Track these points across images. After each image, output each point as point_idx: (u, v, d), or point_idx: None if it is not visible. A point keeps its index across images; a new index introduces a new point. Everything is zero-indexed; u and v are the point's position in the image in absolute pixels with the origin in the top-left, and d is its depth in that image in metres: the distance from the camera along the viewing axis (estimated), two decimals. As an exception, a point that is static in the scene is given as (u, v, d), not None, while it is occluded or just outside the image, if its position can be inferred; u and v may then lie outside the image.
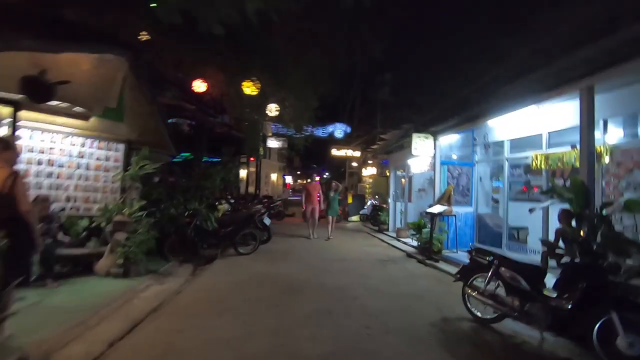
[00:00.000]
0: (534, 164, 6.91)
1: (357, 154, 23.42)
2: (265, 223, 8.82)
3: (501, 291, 4.14)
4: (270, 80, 10.32)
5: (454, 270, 6.67)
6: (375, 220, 14.87)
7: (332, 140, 25.56)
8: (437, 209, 7.78)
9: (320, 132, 23.43)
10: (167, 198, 7.58)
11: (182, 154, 17.34)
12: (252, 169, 20.79)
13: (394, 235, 11.41)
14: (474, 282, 4.44)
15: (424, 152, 8.86)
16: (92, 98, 5.16)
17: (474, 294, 4.28)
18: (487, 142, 8.17)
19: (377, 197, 17.18)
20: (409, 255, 8.36)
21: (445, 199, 8.44)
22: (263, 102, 12.31)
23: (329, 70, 12.00)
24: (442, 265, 7.14)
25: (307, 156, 45.33)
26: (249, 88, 9.58)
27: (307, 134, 22.80)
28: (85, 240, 5.72)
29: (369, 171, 20.41)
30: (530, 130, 7.00)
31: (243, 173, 21.13)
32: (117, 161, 6.22)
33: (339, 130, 23.67)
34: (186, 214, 7.03)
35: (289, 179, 44.91)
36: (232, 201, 10.30)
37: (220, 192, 9.81)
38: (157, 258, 6.59)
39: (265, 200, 15.42)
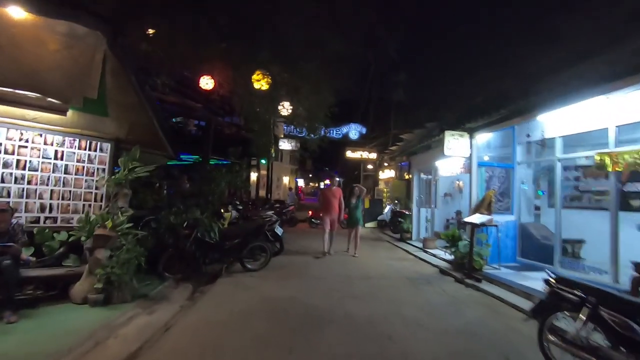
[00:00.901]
0: (599, 164, 5.69)
1: (373, 155, 22.26)
2: (277, 233, 7.81)
3: (598, 337, 3.01)
4: (282, 73, 9.34)
5: (504, 293, 5.53)
6: (396, 227, 13.70)
7: (346, 142, 24.49)
8: (477, 218, 6.61)
9: (333, 133, 22.41)
10: (165, 206, 6.65)
11: (190, 157, 16.55)
12: (263, 172, 19.88)
13: (420, 245, 10.24)
14: (554, 321, 3.31)
15: (458, 152, 7.70)
16: (67, 87, 4.23)
17: (558, 341, 3.14)
18: (540, 140, 6.95)
19: (396, 202, 16.01)
20: (443, 271, 7.20)
21: (484, 206, 7.26)
22: (275, 98, 11.35)
23: (345, 62, 10.96)
24: (486, 286, 5.97)
25: (319, 159, 44.45)
26: (260, 82, 8.59)
27: (321, 135, 21.86)
28: (62, 258, 4.79)
29: (386, 174, 19.25)
30: (590, 124, 5.80)
31: (253, 177, 20.24)
32: (102, 163, 5.28)
33: (353, 131, 22.60)
34: (185, 224, 6.04)
35: (300, 182, 43.99)
36: (240, 207, 9.32)
37: (227, 198, 8.84)
38: (152, 276, 5.64)
39: (277, 205, 14.43)
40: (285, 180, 28.81)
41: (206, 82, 12.01)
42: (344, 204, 8.81)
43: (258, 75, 8.55)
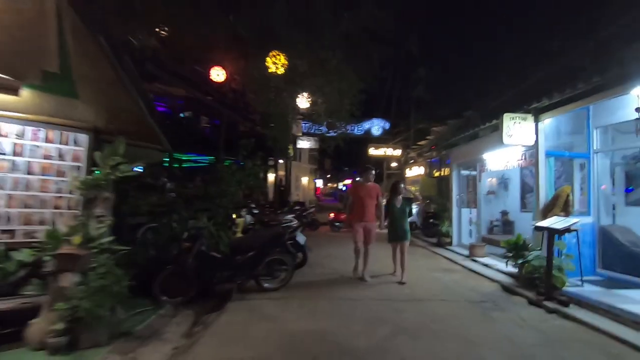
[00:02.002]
0: None
1: (398, 152, 20.79)
2: (298, 242, 6.55)
3: None
4: (301, 52, 8.10)
5: (609, 325, 4.01)
6: (429, 230, 12.22)
7: (367, 139, 23.10)
8: (556, 221, 5.13)
9: (355, 129, 21.03)
10: (166, 212, 5.49)
11: (204, 158, 15.53)
12: (282, 173, 18.72)
13: (465, 252, 8.76)
14: None
15: (521, 140, 6.22)
16: (13, 55, 3.08)
17: None
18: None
19: (427, 201, 14.48)
20: (508, 288, 5.74)
21: (559, 205, 5.76)
22: (293, 82, 10.12)
23: (372, 38, 9.61)
24: (578, 312, 4.50)
25: (338, 158, 43.02)
26: (275, 64, 7.38)
27: (341, 131, 20.57)
28: (21, 284, 3.66)
29: (414, 171, 17.70)
30: None
31: (271, 177, 19.09)
32: (78, 160, 4.14)
33: (376, 126, 21.22)
34: (185, 235, 4.85)
35: (319, 183, 42.75)
36: (256, 211, 8.12)
37: (241, 201, 7.64)
38: (146, 300, 4.49)
39: (297, 207, 13.19)
40: (304, 180, 27.59)
41: (217, 74, 10.91)
42: (384, 208, 6.48)
43: (272, 56, 7.31)
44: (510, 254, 6.12)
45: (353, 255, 6.50)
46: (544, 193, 6.19)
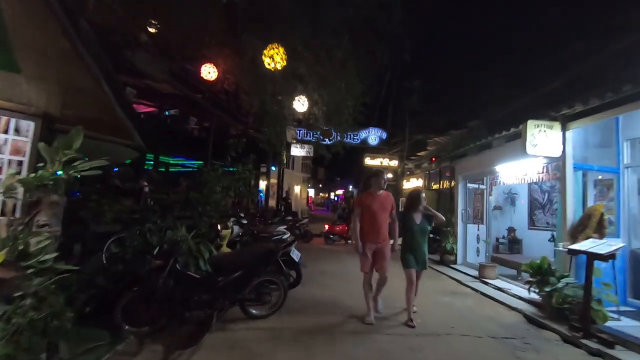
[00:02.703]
0: None
1: (394, 163, 20.12)
2: (293, 259, 5.72)
3: None
4: (299, 48, 7.38)
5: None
6: (430, 246, 11.46)
7: (362, 149, 22.44)
8: (594, 245, 4.41)
9: (351, 138, 20.34)
10: (138, 221, 4.63)
11: (193, 162, 14.62)
12: (273, 181, 17.90)
13: (472, 273, 8.02)
14: None
15: (546, 151, 5.54)
16: None
17: None
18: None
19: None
20: (532, 319, 4.97)
21: (591, 226, 5.06)
22: (289, 81, 9.38)
23: (376, 41, 8.96)
24: (629, 356, 3.76)
25: (331, 168, 42.35)
26: (272, 59, 6.61)
27: (337, 140, 19.87)
28: None
29: (412, 183, 17.04)
30: None
31: (262, 185, 18.24)
32: (19, 153, 3.28)
33: (373, 136, 20.52)
34: (157, 249, 4.00)
35: (311, 193, 41.92)
36: (245, 222, 7.27)
37: (229, 209, 6.82)
38: (104, 329, 3.61)
39: (290, 218, 12.34)
40: (297, 189, 26.76)
41: (208, 72, 10.13)
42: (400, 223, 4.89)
43: (270, 49, 6.56)
44: (533, 280, 5.38)
45: (352, 273, 5.64)
46: (572, 211, 5.50)
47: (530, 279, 5.44)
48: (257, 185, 19.01)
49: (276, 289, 4.59)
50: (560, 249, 5.32)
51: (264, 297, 4.41)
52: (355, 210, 4.96)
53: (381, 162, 20.33)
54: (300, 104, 10.77)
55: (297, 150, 20.55)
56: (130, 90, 9.38)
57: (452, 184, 10.49)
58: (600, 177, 5.90)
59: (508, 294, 6.30)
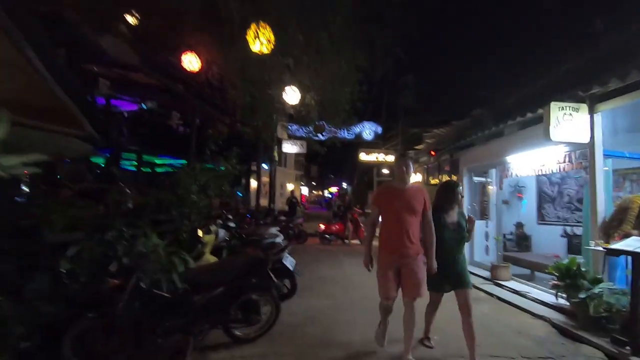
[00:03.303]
0: None
1: (391, 158, 19.47)
2: (286, 266, 4.99)
3: None
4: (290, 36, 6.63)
5: None
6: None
7: (356, 144, 21.79)
8: (637, 243, 3.75)
9: (344, 133, 19.63)
10: (98, 228, 3.84)
11: (177, 161, 13.77)
12: (265, 179, 17.13)
13: (481, 273, 7.40)
14: None
15: (571, 136, 4.88)
16: None
17: None
18: None
19: (427, 211, 13.13)
20: (564, 331, 4.30)
21: (629, 221, 4.41)
22: (278, 71, 8.65)
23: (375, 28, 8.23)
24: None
25: (325, 164, 41.62)
26: (259, 41, 5.83)
27: (330, 135, 19.14)
28: None
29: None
30: None
31: (253, 185, 17.43)
32: None
33: (367, 130, 19.84)
34: (114, 265, 3.23)
35: (304, 191, 41.18)
36: (232, 225, 6.51)
37: (216, 210, 6.07)
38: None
39: (283, 218, 11.58)
40: (290, 187, 25.98)
41: (190, 61, 9.33)
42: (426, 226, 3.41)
43: (256, 29, 5.79)
44: (561, 283, 4.72)
45: (353, 278, 4.86)
46: (602, 204, 4.84)
47: (557, 283, 4.78)
48: (248, 183, 18.21)
49: (267, 303, 3.86)
50: (592, 247, 4.66)
51: (252, 317, 3.67)
52: (371, 212, 3.69)
53: (377, 158, 19.69)
54: (292, 94, 10.02)
55: (289, 147, 19.79)
56: (104, 82, 8.53)
57: (454, 178, 9.82)
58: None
59: (528, 298, 5.65)
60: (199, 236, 4.77)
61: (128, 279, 3.11)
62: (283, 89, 9.95)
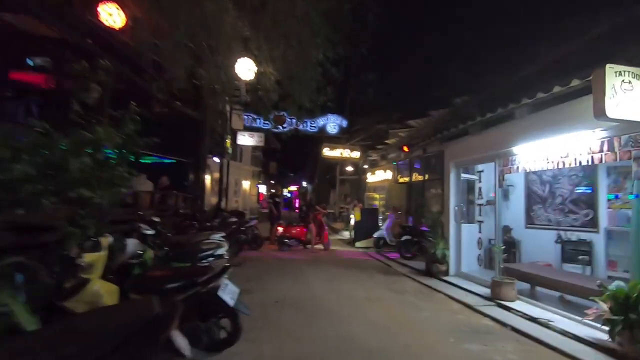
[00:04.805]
0: None
1: (356, 154, 18.08)
2: (224, 301, 3.14)
3: None
4: None
5: None
6: (408, 250, 9.45)
7: (317, 141, 20.21)
8: None
9: (307, 125, 17.92)
10: None
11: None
12: (217, 174, 14.92)
13: (475, 289, 6.06)
14: None
15: (631, 112, 3.54)
16: None
17: None
18: None
19: (399, 212, 11.81)
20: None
21: None
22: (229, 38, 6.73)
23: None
24: None
25: (284, 162, 39.55)
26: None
27: (291, 127, 17.37)
28: None
29: (379, 176, 15.05)
30: None
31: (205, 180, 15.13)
32: None
33: (332, 123, 18.24)
34: None
35: (262, 188, 38.89)
36: (150, 232, 4.53)
37: (107, 212, 4.00)
38: None
39: (234, 220, 9.60)
40: (246, 185, 23.79)
41: (110, 14, 7.12)
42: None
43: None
44: (616, 318, 3.35)
45: (324, 298, 3.74)
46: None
47: (611, 317, 3.41)
48: (199, 179, 15.91)
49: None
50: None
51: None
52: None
53: (341, 153, 18.23)
54: (246, 68, 8.10)
55: (245, 139, 17.77)
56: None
57: (427, 175, 8.48)
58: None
59: (555, 330, 4.26)
60: (70, 257, 2.80)
61: None
62: (235, 62, 8.02)
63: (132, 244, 4.15)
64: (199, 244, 5.15)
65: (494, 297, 5.50)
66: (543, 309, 4.97)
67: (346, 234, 14.47)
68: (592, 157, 4.38)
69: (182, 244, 5.32)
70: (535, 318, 4.61)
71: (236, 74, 8.10)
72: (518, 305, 5.20)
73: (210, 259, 4.99)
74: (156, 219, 5.39)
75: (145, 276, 3.39)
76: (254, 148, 23.94)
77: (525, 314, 4.83)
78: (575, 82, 4.07)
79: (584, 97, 4.23)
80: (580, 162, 4.55)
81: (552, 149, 4.91)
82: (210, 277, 3.10)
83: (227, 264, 3.32)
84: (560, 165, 4.86)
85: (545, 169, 5.10)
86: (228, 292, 3.18)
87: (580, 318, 4.24)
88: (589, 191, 6.67)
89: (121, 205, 4.76)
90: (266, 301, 5.08)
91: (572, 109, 4.48)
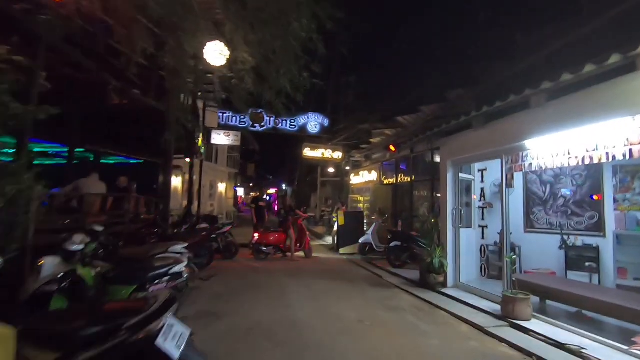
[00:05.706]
0: None
1: (338, 155, 17.21)
2: (166, 354, 2.13)
3: None
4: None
5: None
6: (398, 257, 8.63)
7: (297, 142, 19.28)
8: None
9: (287, 124, 16.95)
10: None
11: (55, 145, 9.95)
12: (188, 176, 13.67)
13: (480, 304, 5.27)
14: None
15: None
16: None
17: None
18: None
19: (386, 216, 11.00)
20: None
21: None
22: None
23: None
24: None
25: (262, 164, 38.31)
26: None
27: (270, 126, 16.41)
28: None
29: (364, 178, 14.24)
30: None
31: (176, 182, 13.84)
32: None
33: (313, 122, 17.32)
34: None
35: (240, 191, 37.48)
36: (76, 247, 3.47)
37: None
38: None
39: (204, 226, 8.47)
40: (222, 187, 22.50)
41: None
42: None
43: None
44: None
45: (311, 326, 3.23)
46: None
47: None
48: (167, 180, 14.58)
49: None
50: None
51: None
52: None
53: (323, 154, 17.30)
54: (216, 53, 7.06)
55: (220, 138, 16.59)
56: None
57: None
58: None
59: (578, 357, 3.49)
60: None
61: None
62: (204, 44, 6.96)
63: (49, 263, 3.08)
64: (152, 260, 4.11)
65: (506, 316, 4.71)
66: (565, 329, 4.22)
67: (329, 240, 13.54)
68: (629, 149, 3.65)
69: (132, 259, 4.26)
70: (563, 344, 3.83)
71: (205, 59, 7.04)
72: (535, 325, 4.43)
73: (165, 278, 3.96)
74: (98, 228, 4.29)
75: (46, 317, 2.34)
76: (231, 149, 22.72)
77: (547, 337, 4.05)
78: (614, 59, 3.32)
79: (622, 78, 3.51)
80: (614, 157, 3.81)
81: (576, 142, 4.18)
82: (145, 318, 2.09)
83: (172, 297, 2.30)
84: (587, 161, 4.11)
85: (566, 165, 4.35)
86: (172, 339, 2.17)
87: (618, 344, 3.48)
88: (593, 192, 6.16)
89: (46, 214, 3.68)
90: (236, 330, 4.08)
91: (604, 93, 3.75)
